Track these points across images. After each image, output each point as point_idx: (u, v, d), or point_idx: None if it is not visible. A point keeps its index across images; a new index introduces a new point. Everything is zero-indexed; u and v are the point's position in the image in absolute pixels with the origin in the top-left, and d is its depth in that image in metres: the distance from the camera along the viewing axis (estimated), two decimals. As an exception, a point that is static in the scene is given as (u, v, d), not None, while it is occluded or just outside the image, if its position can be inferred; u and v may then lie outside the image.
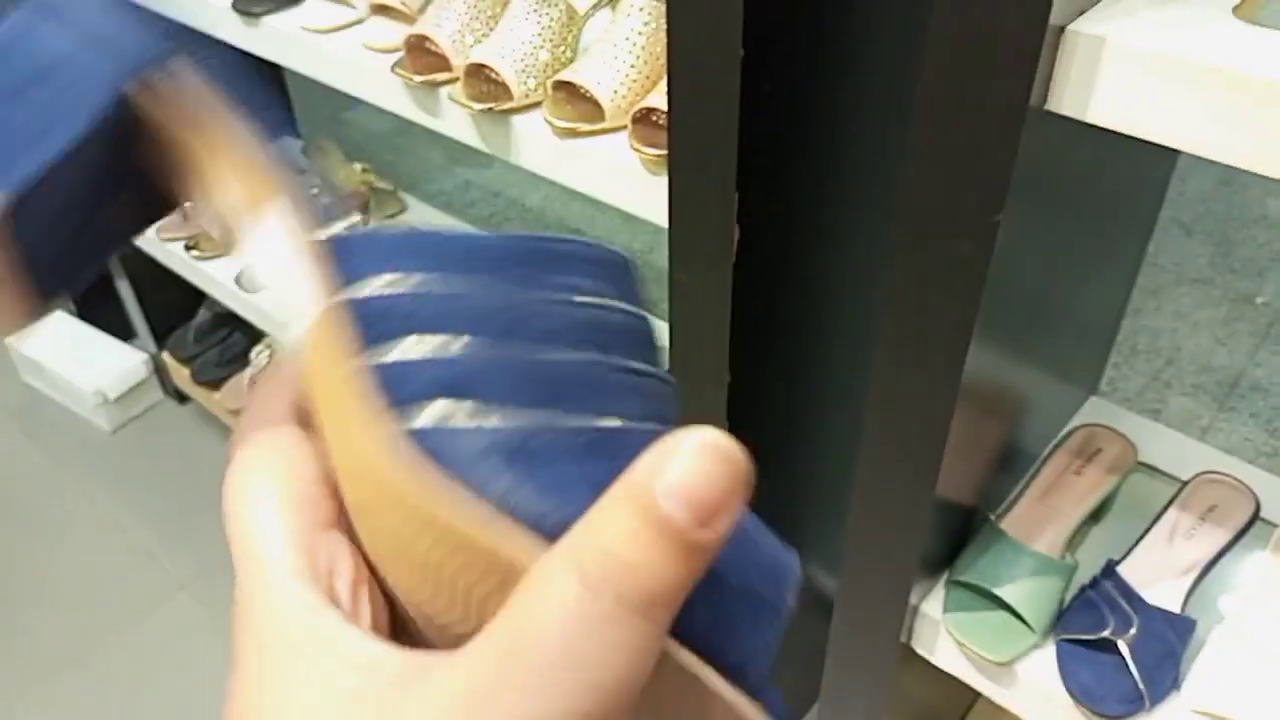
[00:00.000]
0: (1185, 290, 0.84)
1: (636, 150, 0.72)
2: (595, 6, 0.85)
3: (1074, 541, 0.75)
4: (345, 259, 0.22)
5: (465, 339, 0.20)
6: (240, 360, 1.58)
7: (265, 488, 0.22)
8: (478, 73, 0.79)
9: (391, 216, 1.39)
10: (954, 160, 0.53)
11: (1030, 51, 0.48)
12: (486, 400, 0.20)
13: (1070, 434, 0.82)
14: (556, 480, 0.19)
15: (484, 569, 0.19)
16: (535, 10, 0.82)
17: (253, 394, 0.23)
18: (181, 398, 1.71)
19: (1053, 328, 0.75)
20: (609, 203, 0.77)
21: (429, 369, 0.20)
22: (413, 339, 0.20)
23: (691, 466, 0.17)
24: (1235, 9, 0.49)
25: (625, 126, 0.74)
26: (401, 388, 0.20)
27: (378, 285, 0.21)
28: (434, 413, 0.20)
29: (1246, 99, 0.45)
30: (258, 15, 0.91)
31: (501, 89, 0.79)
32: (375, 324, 0.21)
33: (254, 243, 0.24)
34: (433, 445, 0.19)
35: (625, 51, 0.77)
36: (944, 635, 0.72)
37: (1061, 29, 0.49)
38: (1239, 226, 0.81)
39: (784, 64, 0.63)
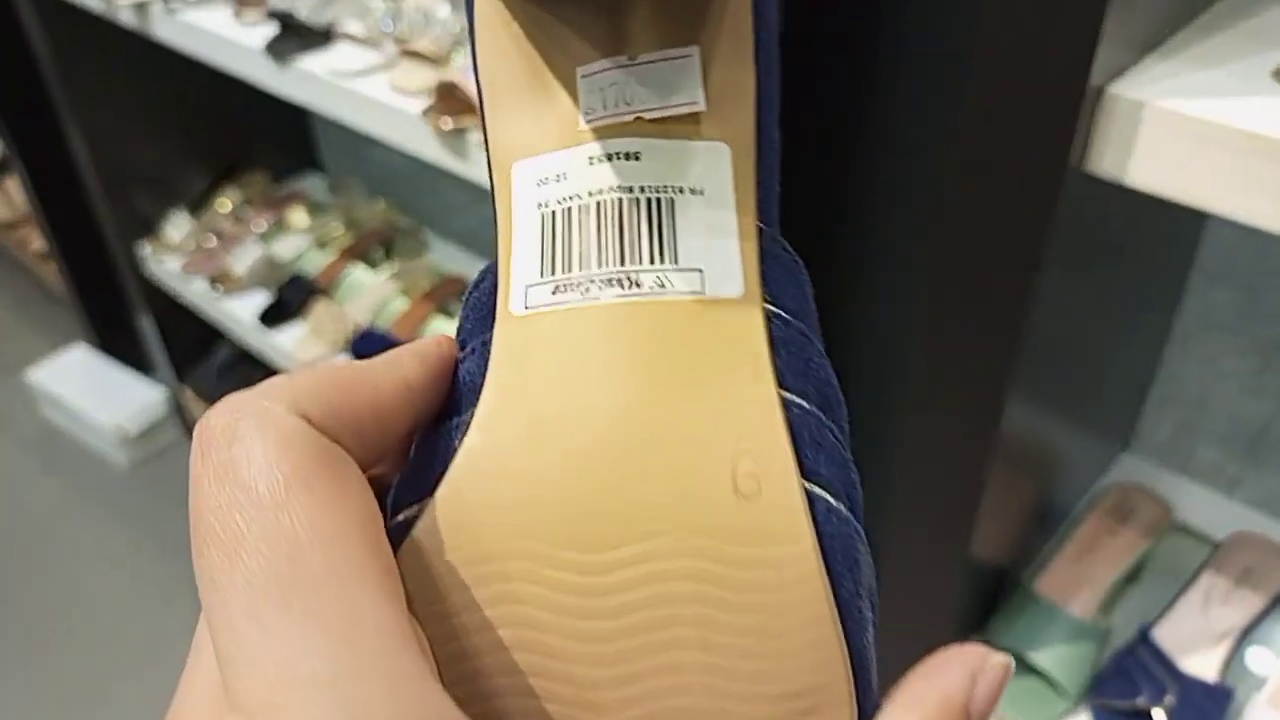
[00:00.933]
0: (1212, 338, 0.83)
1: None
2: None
3: (1108, 603, 0.73)
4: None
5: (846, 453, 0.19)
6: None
7: (355, 502, 0.17)
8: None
9: (414, 257, 1.39)
10: (992, 219, 0.52)
11: (1069, 112, 0.48)
12: (862, 531, 0.19)
13: (1103, 492, 0.81)
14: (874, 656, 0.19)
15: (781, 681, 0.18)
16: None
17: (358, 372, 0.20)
18: (200, 433, 1.70)
19: (1086, 383, 0.74)
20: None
21: (839, 458, 0.19)
22: (817, 411, 0.19)
23: (994, 689, 0.20)
24: (1274, 73, 0.49)
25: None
26: (810, 447, 0.18)
27: (786, 301, 0.20)
28: (834, 501, 0.18)
29: (1285, 164, 0.44)
30: (287, 57, 0.92)
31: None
32: (789, 348, 0.19)
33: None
34: (828, 527, 0.18)
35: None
36: (973, 698, 0.70)
37: (1101, 90, 0.48)
38: (1267, 274, 0.80)
39: (817, 118, 0.63)
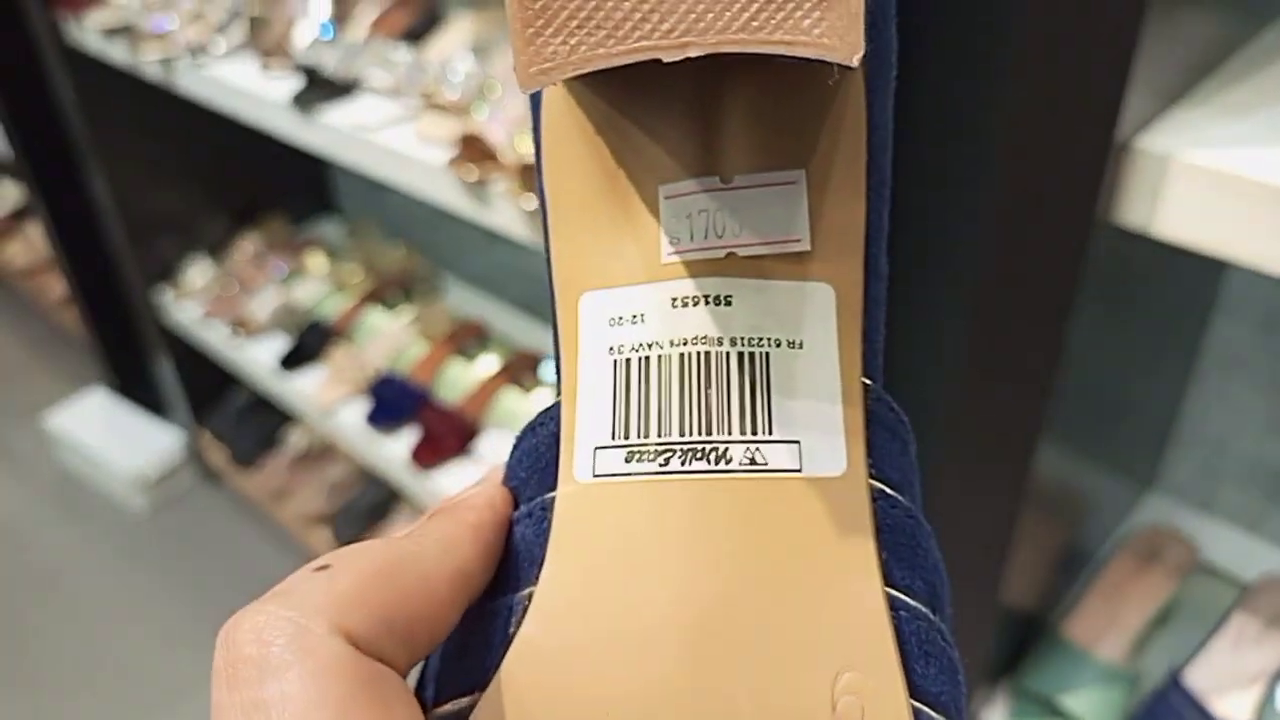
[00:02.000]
0: (1233, 378, 0.83)
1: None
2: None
3: (1137, 646, 0.73)
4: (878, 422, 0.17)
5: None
6: (283, 441, 1.59)
7: None
8: (531, 169, 0.81)
9: (432, 300, 1.40)
10: (1022, 268, 0.53)
11: (1096, 166, 0.49)
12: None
13: (1130, 534, 0.81)
14: None
15: None
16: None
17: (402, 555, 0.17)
18: (220, 478, 1.71)
19: (1111, 425, 0.75)
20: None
21: (947, 665, 0.17)
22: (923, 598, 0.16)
23: None
24: (1298, 123, 0.49)
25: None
26: (919, 659, 0.16)
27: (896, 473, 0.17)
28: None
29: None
30: (314, 109, 0.94)
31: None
32: (897, 534, 0.17)
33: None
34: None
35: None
36: (1005, 744, 0.70)
37: (1127, 144, 0.49)
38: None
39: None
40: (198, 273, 1.51)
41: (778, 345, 0.17)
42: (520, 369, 1.22)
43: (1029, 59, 0.48)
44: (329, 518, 1.47)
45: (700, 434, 0.17)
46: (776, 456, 0.17)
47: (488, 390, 1.20)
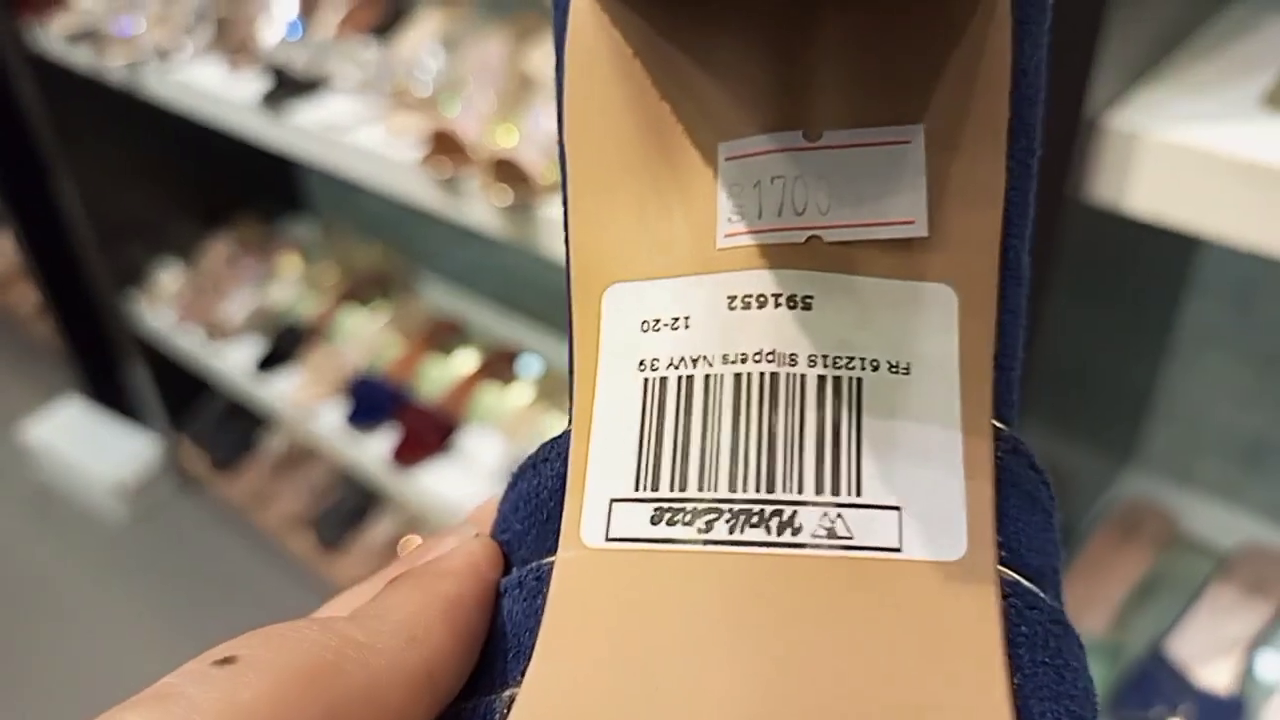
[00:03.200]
0: (1206, 350, 0.84)
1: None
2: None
3: (1119, 619, 0.74)
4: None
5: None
6: (262, 445, 1.58)
7: None
8: (504, 164, 0.80)
9: (408, 299, 1.40)
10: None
11: (1065, 145, 0.49)
12: None
13: (1108, 507, 0.82)
14: None
15: None
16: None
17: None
18: (200, 484, 1.70)
19: (1088, 401, 0.75)
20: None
21: None
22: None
23: None
24: (1261, 100, 0.50)
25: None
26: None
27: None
28: None
29: (1276, 191, 0.45)
30: (284, 110, 0.93)
31: (526, 177, 0.80)
32: (1037, 650, 0.12)
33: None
34: None
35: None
36: (992, 719, 0.71)
37: (1094, 123, 0.49)
38: (1260, 287, 0.81)
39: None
40: (170, 277, 1.50)
41: (875, 368, 0.13)
42: (499, 364, 1.22)
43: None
44: (311, 521, 1.46)
45: (760, 490, 0.12)
46: (867, 528, 0.12)
47: (467, 387, 1.20)
